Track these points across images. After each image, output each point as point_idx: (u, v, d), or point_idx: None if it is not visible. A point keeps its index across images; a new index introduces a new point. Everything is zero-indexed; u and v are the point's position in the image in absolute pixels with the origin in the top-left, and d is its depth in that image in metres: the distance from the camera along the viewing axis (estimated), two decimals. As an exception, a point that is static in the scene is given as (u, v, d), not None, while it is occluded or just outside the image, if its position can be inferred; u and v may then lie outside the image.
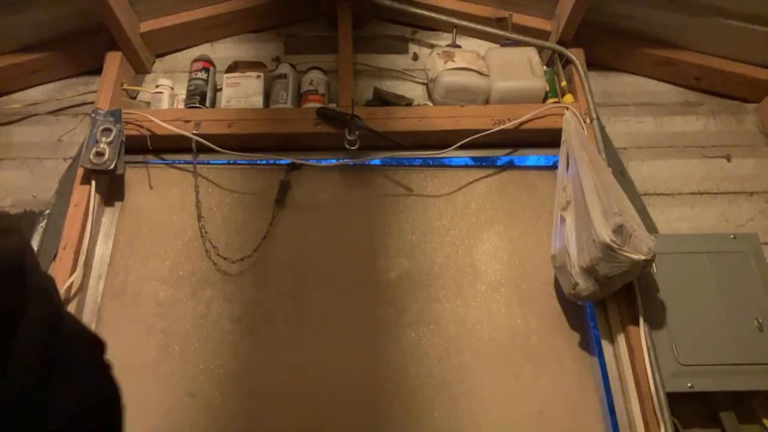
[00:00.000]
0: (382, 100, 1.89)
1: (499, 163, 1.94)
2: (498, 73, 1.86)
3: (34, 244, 1.67)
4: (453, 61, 1.85)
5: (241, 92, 1.87)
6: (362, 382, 1.59)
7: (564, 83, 1.91)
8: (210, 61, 1.93)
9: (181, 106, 1.88)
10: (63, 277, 1.56)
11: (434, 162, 1.93)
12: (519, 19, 2.00)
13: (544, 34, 1.99)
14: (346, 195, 1.85)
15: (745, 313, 1.52)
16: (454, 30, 2.00)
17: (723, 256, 1.60)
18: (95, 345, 0.58)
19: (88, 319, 1.62)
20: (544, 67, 1.92)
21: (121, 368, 1.81)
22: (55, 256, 1.62)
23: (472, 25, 1.99)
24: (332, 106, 1.85)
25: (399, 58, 2.07)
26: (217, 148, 1.75)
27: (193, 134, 1.76)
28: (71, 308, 1.58)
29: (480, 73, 1.85)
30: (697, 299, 1.54)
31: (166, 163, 1.86)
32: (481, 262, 1.75)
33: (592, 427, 1.54)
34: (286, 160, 1.84)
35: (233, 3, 2.01)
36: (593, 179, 1.50)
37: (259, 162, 1.88)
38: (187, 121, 1.78)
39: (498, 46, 2.00)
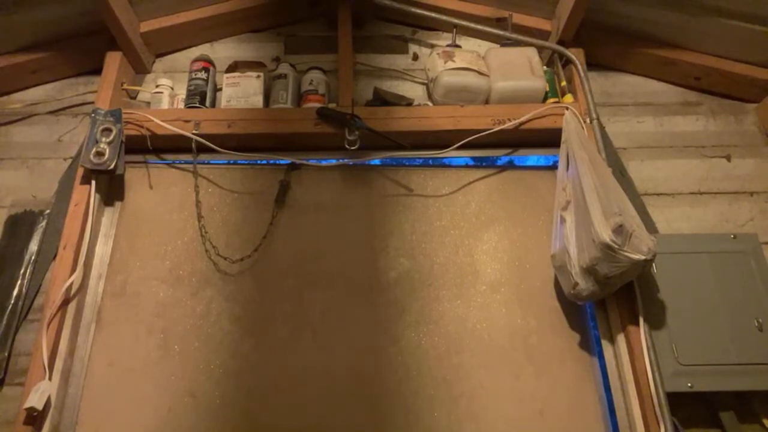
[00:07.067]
0: (382, 100, 1.89)
1: (499, 163, 1.95)
2: (498, 73, 1.86)
3: (34, 244, 1.67)
4: (453, 61, 1.85)
5: (241, 92, 1.87)
6: (362, 382, 1.59)
7: (564, 83, 1.91)
8: (210, 61, 1.93)
9: (181, 106, 1.88)
10: (63, 277, 1.56)
11: (434, 162, 1.93)
12: (519, 19, 2.00)
13: (544, 34, 1.99)
14: (346, 195, 1.85)
15: (745, 313, 1.52)
16: (454, 30, 2.00)
17: (723, 256, 1.60)
18: None
19: (88, 319, 1.63)
20: (544, 67, 1.92)
21: (121, 368, 1.80)
22: (55, 256, 1.62)
23: (472, 25, 1.99)
24: (332, 106, 1.85)
25: (399, 58, 2.07)
26: (217, 148, 1.75)
27: (193, 134, 1.76)
28: (71, 308, 1.58)
29: (480, 73, 1.85)
30: (697, 299, 1.54)
31: (166, 163, 1.86)
32: (481, 262, 1.75)
33: (592, 427, 1.54)
34: (286, 160, 1.84)
35: (233, 3, 2.01)
36: (593, 179, 1.50)
37: (259, 162, 1.88)
38: (187, 121, 1.78)
39: (498, 46, 2.00)
